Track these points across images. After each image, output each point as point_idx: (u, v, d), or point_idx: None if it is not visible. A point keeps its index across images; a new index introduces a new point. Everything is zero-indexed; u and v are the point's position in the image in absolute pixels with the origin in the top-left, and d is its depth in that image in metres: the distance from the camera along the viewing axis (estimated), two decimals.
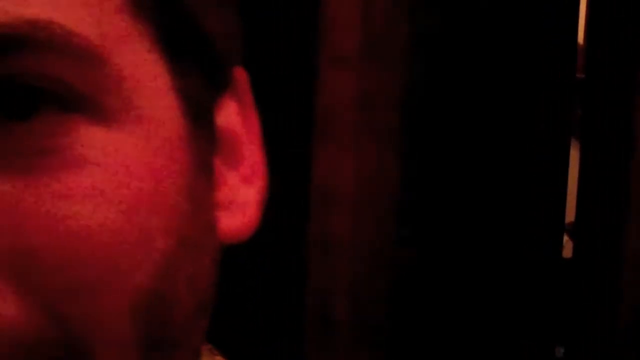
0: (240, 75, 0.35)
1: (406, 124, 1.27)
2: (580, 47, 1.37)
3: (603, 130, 1.26)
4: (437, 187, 1.34)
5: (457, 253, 1.34)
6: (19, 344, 0.27)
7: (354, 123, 1.20)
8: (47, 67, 0.27)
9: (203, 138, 0.32)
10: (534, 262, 1.32)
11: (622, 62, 1.24)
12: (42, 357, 0.27)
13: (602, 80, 1.26)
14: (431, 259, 1.34)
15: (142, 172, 0.29)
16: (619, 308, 1.27)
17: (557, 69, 1.31)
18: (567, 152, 1.33)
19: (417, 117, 1.31)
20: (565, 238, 1.40)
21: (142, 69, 0.30)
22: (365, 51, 1.19)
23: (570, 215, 1.35)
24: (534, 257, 1.32)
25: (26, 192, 0.27)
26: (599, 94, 1.26)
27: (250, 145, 0.36)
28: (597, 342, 1.29)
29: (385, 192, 1.24)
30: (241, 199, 0.35)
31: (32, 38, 0.26)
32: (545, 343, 1.35)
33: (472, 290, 1.34)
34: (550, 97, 1.31)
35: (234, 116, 0.35)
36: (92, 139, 0.28)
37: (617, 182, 1.26)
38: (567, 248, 1.38)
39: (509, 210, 1.32)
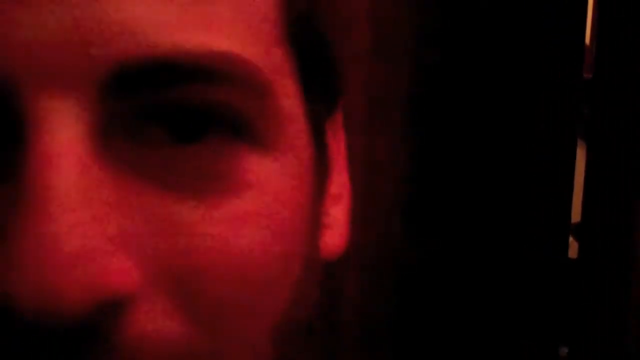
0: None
1: (413, 121, 1.27)
2: (587, 47, 1.37)
3: (609, 130, 1.26)
4: (442, 186, 1.34)
5: (461, 252, 1.34)
6: (181, 353, 0.27)
7: (362, 122, 1.20)
8: (222, 95, 0.28)
9: (321, 162, 0.34)
10: (539, 262, 1.32)
11: (629, 63, 1.24)
12: None
13: (609, 80, 1.26)
14: (435, 258, 1.33)
15: (287, 198, 0.30)
16: (623, 309, 1.27)
17: (563, 68, 1.30)
18: (573, 152, 1.33)
19: (422, 116, 1.31)
20: (571, 238, 1.40)
21: (291, 99, 0.31)
22: (374, 49, 1.19)
23: (575, 216, 1.35)
24: (539, 257, 1.32)
25: (197, 213, 0.28)
26: (606, 94, 1.26)
27: (338, 165, 0.37)
28: (601, 343, 1.29)
29: (391, 191, 1.24)
30: (332, 218, 0.36)
31: (218, 69, 0.27)
32: (549, 343, 1.35)
33: (476, 290, 1.33)
34: (557, 97, 1.31)
35: (331, 138, 0.36)
36: (252, 165, 0.29)
37: (623, 183, 1.25)
38: (572, 248, 1.38)
39: (515, 210, 1.32)
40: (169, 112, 0.28)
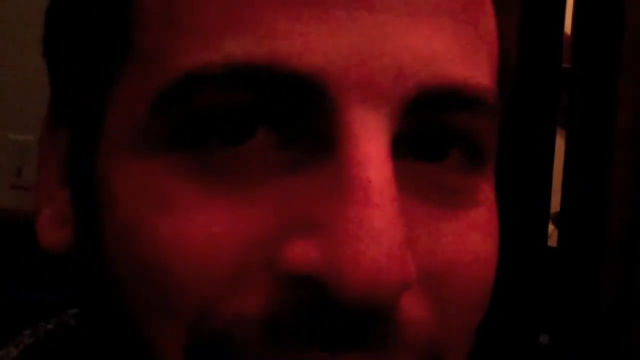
0: None
1: None
2: (566, 36, 1.37)
3: (588, 119, 1.26)
4: None
5: None
6: (422, 340, 0.31)
7: None
8: (480, 124, 0.32)
9: None
10: (518, 250, 1.32)
11: (607, 51, 1.24)
12: (424, 353, 0.32)
13: (587, 69, 1.26)
14: None
15: (497, 216, 0.35)
16: (602, 296, 1.28)
17: (542, 57, 1.31)
18: (552, 141, 1.33)
19: None
20: (551, 227, 1.40)
21: (497, 121, 0.35)
22: None
23: (555, 205, 1.36)
24: (518, 245, 1.32)
25: (459, 224, 0.33)
26: (585, 83, 1.27)
27: None
28: (581, 330, 1.30)
29: None
30: None
31: (481, 101, 0.32)
32: (529, 331, 1.36)
33: None
34: (536, 86, 1.31)
35: None
36: (479, 185, 0.34)
37: (602, 172, 1.26)
38: (552, 237, 1.39)
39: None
40: (429, 135, 0.32)
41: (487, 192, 0.35)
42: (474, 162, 0.33)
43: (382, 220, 0.28)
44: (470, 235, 0.33)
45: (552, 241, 1.38)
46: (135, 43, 0.32)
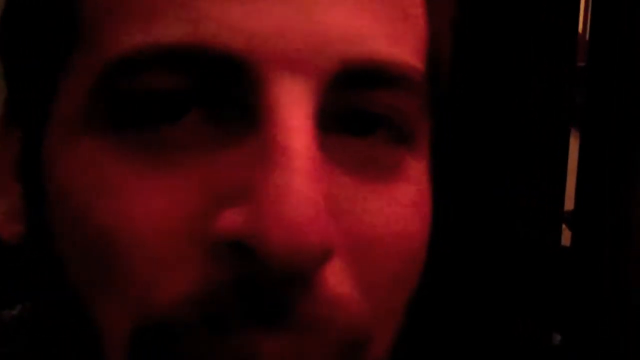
0: None
1: None
2: (580, 35, 1.36)
3: (602, 118, 1.26)
4: (436, 175, 1.34)
5: (455, 240, 1.34)
6: (350, 314, 0.32)
7: None
8: (397, 100, 0.33)
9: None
10: (532, 250, 1.32)
11: (622, 50, 1.24)
12: (352, 330, 0.32)
13: (602, 68, 1.26)
14: (430, 247, 1.34)
15: (428, 195, 0.36)
16: (616, 296, 1.28)
17: (556, 56, 1.30)
18: (566, 141, 1.33)
19: None
20: (564, 226, 1.40)
21: (425, 101, 0.35)
22: None
23: (569, 204, 1.36)
24: (532, 245, 1.32)
25: (384, 197, 0.33)
26: (599, 82, 1.26)
27: None
28: (594, 330, 1.29)
29: None
30: None
31: (403, 78, 0.33)
32: (542, 330, 1.35)
33: (470, 278, 1.34)
34: (550, 85, 1.31)
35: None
36: (408, 162, 0.34)
37: (616, 171, 1.26)
38: (565, 236, 1.39)
39: (508, 198, 1.32)
40: (356, 111, 0.33)
41: (416, 170, 0.35)
42: (401, 139, 0.34)
43: (303, 185, 0.29)
44: (396, 211, 0.33)
45: (566, 240, 1.37)
46: (80, 32, 0.33)
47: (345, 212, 0.32)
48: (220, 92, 0.31)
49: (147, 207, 0.30)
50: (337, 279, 0.31)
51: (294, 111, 0.30)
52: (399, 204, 0.33)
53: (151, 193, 0.31)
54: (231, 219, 0.29)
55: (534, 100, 1.31)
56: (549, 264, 1.33)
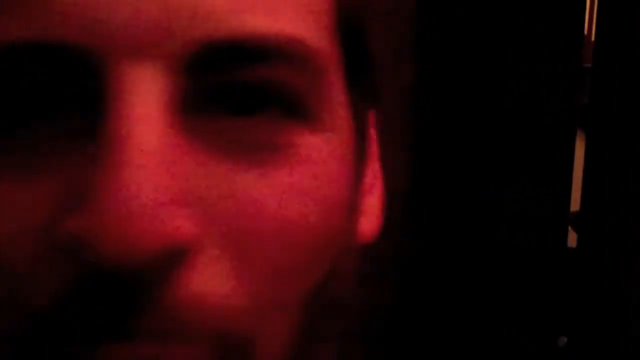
0: None
1: (411, 112, 1.27)
2: (585, 36, 1.36)
3: (608, 119, 1.26)
4: (442, 177, 1.34)
5: (461, 242, 1.34)
6: (224, 315, 0.30)
7: None
8: (281, 74, 0.31)
9: (360, 149, 0.36)
10: (538, 251, 1.32)
11: (628, 51, 1.24)
12: (228, 332, 0.30)
13: (608, 69, 1.26)
14: (436, 248, 1.34)
15: (332, 176, 0.33)
16: (622, 298, 1.27)
17: (562, 58, 1.30)
18: (572, 142, 1.33)
19: (421, 107, 1.31)
20: (570, 228, 1.40)
21: (339, 85, 0.34)
22: None
23: (574, 205, 1.35)
24: (538, 246, 1.32)
25: (260, 182, 0.31)
26: (605, 84, 1.26)
27: (373, 155, 0.40)
28: (600, 332, 1.29)
29: (391, 182, 1.23)
30: (367, 205, 0.38)
31: (282, 51, 0.31)
32: (548, 332, 1.35)
33: (475, 280, 1.34)
34: (556, 86, 1.30)
35: (367, 129, 0.38)
36: (304, 141, 0.32)
37: (621, 172, 1.26)
38: (571, 238, 1.38)
39: (514, 200, 1.32)
40: (232, 90, 0.31)
41: (317, 149, 0.32)
42: (295, 116, 0.32)
43: (139, 178, 0.27)
44: (275, 194, 0.31)
45: (572, 242, 1.37)
46: None
47: (213, 200, 0.30)
48: (69, 89, 0.30)
49: (9, 222, 0.29)
50: (206, 274, 0.29)
51: (140, 99, 0.28)
52: (280, 186, 0.31)
53: (15, 207, 0.30)
54: (70, 223, 0.28)
55: (540, 101, 1.30)
56: (555, 265, 1.33)
